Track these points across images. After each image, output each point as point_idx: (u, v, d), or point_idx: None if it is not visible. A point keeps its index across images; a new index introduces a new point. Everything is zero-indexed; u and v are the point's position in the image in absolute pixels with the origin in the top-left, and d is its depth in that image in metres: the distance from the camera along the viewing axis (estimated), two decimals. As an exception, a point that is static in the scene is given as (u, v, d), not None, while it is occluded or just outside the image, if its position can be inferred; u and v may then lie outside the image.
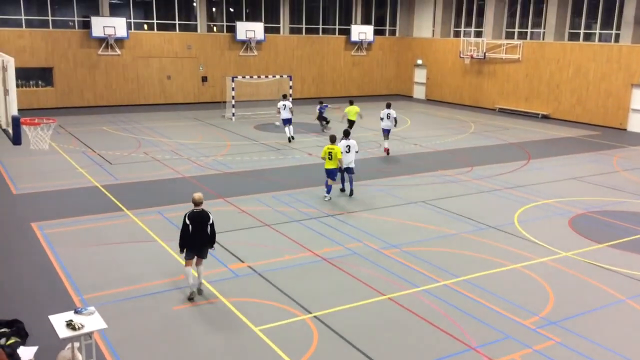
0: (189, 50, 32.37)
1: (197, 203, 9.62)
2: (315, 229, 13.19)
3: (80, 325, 7.28)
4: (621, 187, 17.41)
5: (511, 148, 22.93)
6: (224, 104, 29.91)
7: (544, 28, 31.21)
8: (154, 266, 10.94)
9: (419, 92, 38.30)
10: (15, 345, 7.87)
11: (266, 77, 31.02)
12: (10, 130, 9.22)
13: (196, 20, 32.98)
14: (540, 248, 12.33)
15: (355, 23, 37.22)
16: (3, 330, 8.12)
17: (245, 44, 33.59)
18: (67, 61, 29.60)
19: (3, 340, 7.92)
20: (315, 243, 12.27)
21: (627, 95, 27.28)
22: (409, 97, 38.41)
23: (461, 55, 34.19)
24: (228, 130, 25.15)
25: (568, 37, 30.61)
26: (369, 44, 37.51)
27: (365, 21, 37.84)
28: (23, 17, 28.92)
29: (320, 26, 36.79)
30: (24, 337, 8.15)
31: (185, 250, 9.66)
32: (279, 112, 22.88)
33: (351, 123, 23.15)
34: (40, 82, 29.55)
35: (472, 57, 33.56)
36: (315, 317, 9.18)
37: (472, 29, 35.23)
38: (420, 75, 38.13)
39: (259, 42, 33.90)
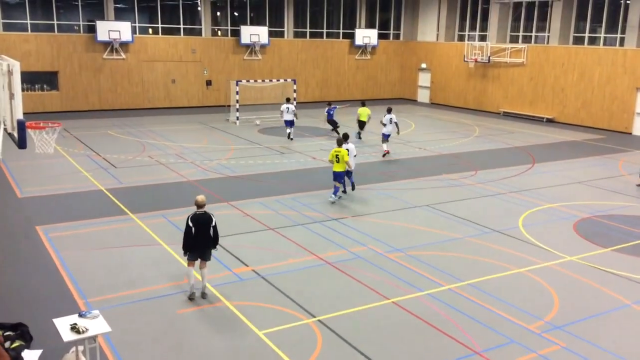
0: (193, 54, 32.45)
1: (199, 205, 9.65)
2: (319, 232, 13.18)
3: (84, 329, 7.29)
4: (626, 191, 17.34)
5: (516, 152, 22.88)
6: (228, 108, 29.98)
7: (549, 32, 31.17)
8: (158, 269, 10.95)
9: (423, 96, 38.28)
10: (20, 349, 7.88)
11: (270, 81, 31.05)
12: (16, 134, 9.23)
13: (201, 25, 33.07)
14: (545, 252, 12.29)
15: (360, 27, 37.26)
16: (8, 333, 8.13)
17: (250, 48, 33.66)
18: (73, 65, 29.72)
19: (7, 344, 7.92)
20: (320, 247, 12.26)
21: (632, 99, 27.20)
22: (413, 101, 38.39)
23: (465, 59, 34.17)
24: (232, 134, 25.18)
25: (573, 40, 30.57)
26: (373, 47, 37.53)
27: (370, 25, 37.87)
28: (29, 22, 29.05)
29: (325, 30, 36.83)
30: (28, 341, 8.15)
31: (188, 252, 9.70)
32: (282, 115, 23.70)
33: (362, 124, 23.80)
34: (45, 86, 29.66)
35: (476, 61, 33.54)
36: (319, 321, 9.17)
37: (477, 33, 35.21)
38: (424, 79, 38.12)
39: (263, 46, 33.97)
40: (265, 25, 34.11)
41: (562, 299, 10.16)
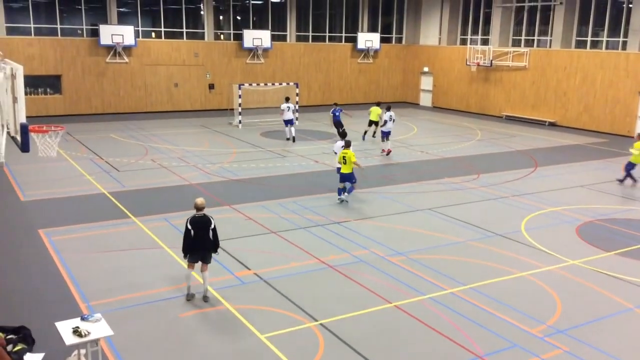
0: (196, 58, 32.52)
1: (199, 208, 9.67)
2: (321, 236, 13.18)
3: (86, 332, 7.30)
4: (629, 195, 17.32)
5: (518, 155, 22.87)
6: (231, 112, 30.02)
7: (551, 35, 31.17)
8: (161, 273, 10.96)
9: (425, 100, 38.29)
10: (22, 352, 7.89)
11: (273, 84, 31.09)
12: (19, 138, 9.27)
13: (203, 29, 33.14)
14: (547, 256, 12.27)
15: (362, 31, 37.30)
16: (10, 336, 8.14)
17: (252, 51, 33.72)
18: (76, 69, 29.80)
19: (10, 347, 7.94)
20: (322, 250, 12.26)
21: (635, 103, 27.18)
22: (415, 105, 38.40)
23: (468, 63, 34.18)
24: (234, 137, 25.20)
25: (575, 44, 30.56)
26: (376, 51, 37.56)
27: (372, 29, 37.91)
28: (32, 25, 29.15)
29: (327, 34, 36.89)
30: (30, 344, 8.16)
31: (188, 255, 9.73)
32: (282, 114, 24.32)
33: (371, 123, 23.89)
34: (48, 90, 29.74)
35: (478, 64, 33.55)
36: (321, 324, 9.16)
37: (479, 37, 35.23)
38: (426, 83, 38.13)
39: (265, 50, 34.02)
40: (267, 29, 34.17)
41: (564, 302, 10.14)
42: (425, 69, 37.82)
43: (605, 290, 10.70)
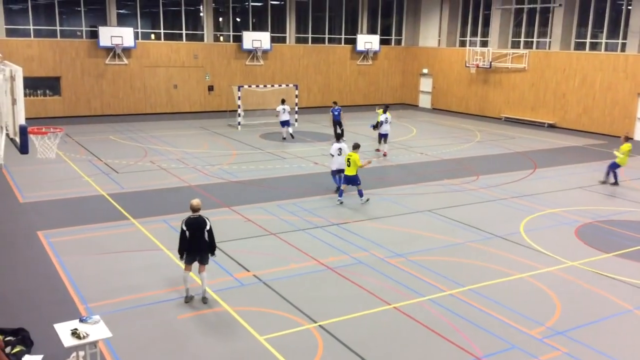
0: (195, 60, 32.54)
1: (194, 209, 9.67)
2: (320, 237, 13.17)
3: (85, 334, 7.29)
4: (628, 197, 17.33)
5: (517, 157, 22.87)
6: (230, 113, 30.02)
7: (550, 37, 31.20)
8: (159, 275, 10.95)
9: (424, 101, 38.31)
10: (21, 354, 7.89)
11: (272, 86, 31.11)
12: (18, 139, 9.26)
13: (203, 30, 33.16)
14: (546, 257, 12.27)
15: (361, 32, 37.33)
16: (8, 338, 8.14)
17: (252, 53, 33.73)
18: (75, 70, 29.80)
19: (8, 349, 7.93)
20: (321, 252, 12.26)
21: (634, 105, 27.20)
22: (414, 106, 38.42)
23: (467, 65, 34.21)
24: (234, 139, 25.21)
25: (574, 46, 30.59)
26: (375, 53, 37.59)
27: (371, 31, 37.94)
28: (31, 27, 29.15)
29: (326, 36, 36.91)
30: (29, 346, 8.16)
31: (184, 256, 9.72)
32: (278, 115, 24.95)
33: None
34: (47, 92, 29.74)
35: (478, 66, 33.57)
36: (320, 326, 9.16)
37: (478, 39, 35.26)
38: (426, 85, 38.16)
39: (265, 52, 34.04)
40: (267, 30, 34.20)
41: (563, 304, 10.14)
42: (425, 71, 37.85)
43: (604, 292, 10.70)
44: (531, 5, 32.23)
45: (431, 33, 37.92)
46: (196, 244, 9.61)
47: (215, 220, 11.41)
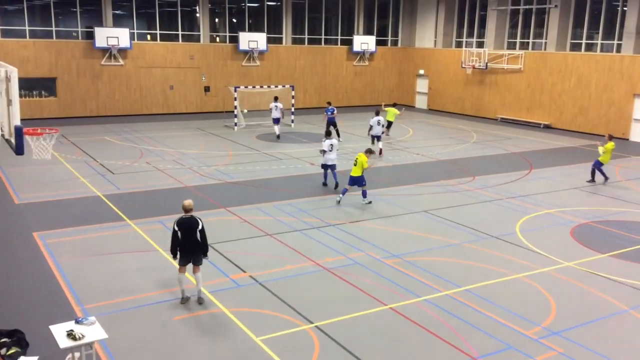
0: (191, 61, 32.51)
1: (186, 210, 9.65)
2: (317, 238, 13.18)
3: (80, 336, 7.27)
4: (623, 197, 17.38)
5: (513, 158, 22.92)
6: (226, 114, 29.99)
7: (546, 38, 31.28)
8: (155, 276, 10.94)
9: (421, 102, 38.36)
10: (16, 355, 7.86)
11: (269, 87, 31.10)
12: (13, 140, 9.25)
13: (199, 31, 33.15)
14: (542, 258, 12.30)
15: (358, 33, 37.36)
16: (4, 340, 8.11)
17: (248, 54, 33.73)
18: (71, 71, 29.75)
19: (4, 350, 7.91)
20: (317, 253, 12.26)
21: (630, 105, 27.29)
22: (411, 107, 38.44)
23: (463, 66, 34.26)
24: (230, 140, 25.20)
25: (570, 47, 30.67)
26: (371, 54, 37.63)
27: (368, 32, 37.98)
28: (27, 28, 29.09)
29: (323, 36, 36.93)
30: (24, 347, 8.13)
31: (178, 257, 9.69)
32: (272, 112, 25.49)
33: (389, 124, 25.21)
34: (43, 92, 29.69)
35: (474, 67, 33.63)
36: (316, 327, 9.16)
37: (474, 40, 35.33)
38: (422, 85, 38.21)
39: (261, 53, 34.04)
40: (263, 31, 34.20)
41: (559, 304, 10.16)
42: (421, 72, 37.89)
43: (599, 292, 10.73)
44: (527, 7, 32.30)
45: (427, 34, 37.97)
46: (189, 244, 9.60)
47: (211, 221, 11.44)
